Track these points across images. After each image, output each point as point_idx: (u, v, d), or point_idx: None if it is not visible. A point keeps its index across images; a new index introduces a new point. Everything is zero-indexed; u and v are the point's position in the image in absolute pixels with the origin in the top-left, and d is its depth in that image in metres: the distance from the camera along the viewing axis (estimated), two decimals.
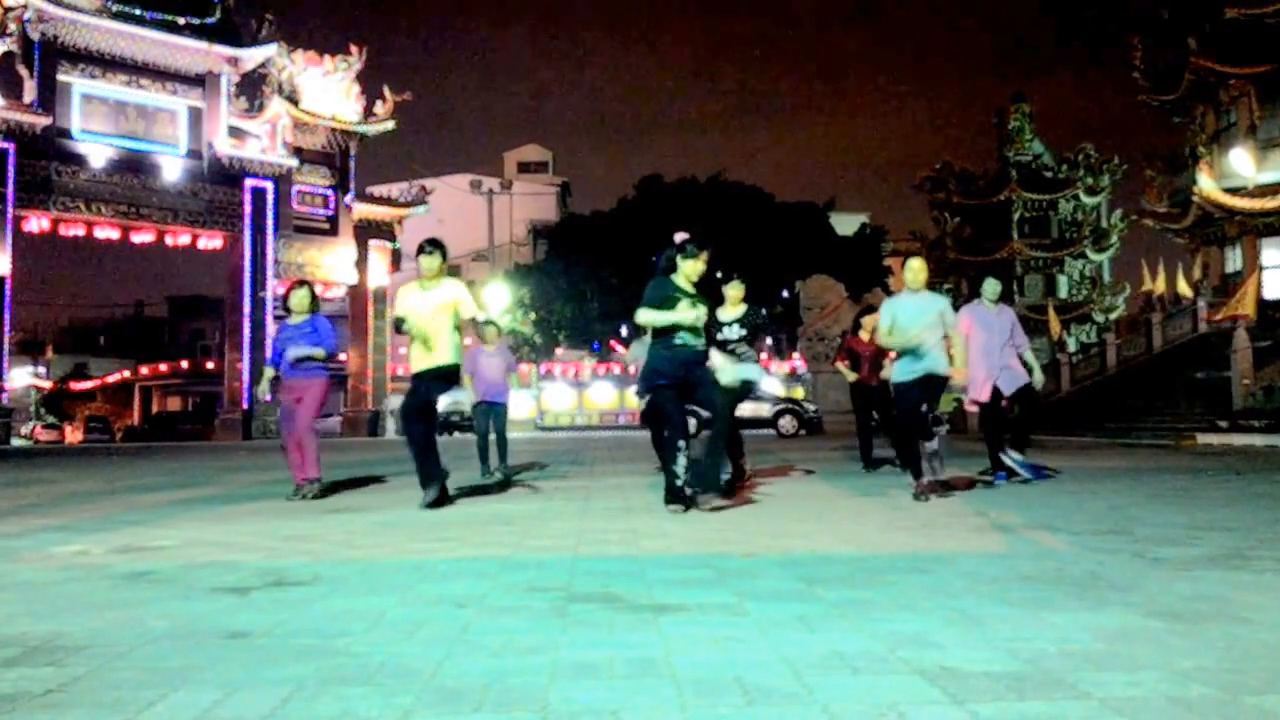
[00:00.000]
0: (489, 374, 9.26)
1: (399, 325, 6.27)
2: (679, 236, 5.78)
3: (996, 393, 7.44)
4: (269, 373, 7.20)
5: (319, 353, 6.99)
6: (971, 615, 2.71)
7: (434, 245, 6.24)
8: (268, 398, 7.11)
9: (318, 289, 36.94)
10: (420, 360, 6.21)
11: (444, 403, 6.76)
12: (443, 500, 6.15)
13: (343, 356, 35.99)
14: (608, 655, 2.33)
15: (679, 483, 5.47)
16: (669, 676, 2.14)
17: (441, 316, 6.22)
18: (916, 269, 6.50)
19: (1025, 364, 7.56)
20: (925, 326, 6.32)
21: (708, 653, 2.34)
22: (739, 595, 3.04)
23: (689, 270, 5.68)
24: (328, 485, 7.29)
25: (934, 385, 6.36)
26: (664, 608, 2.86)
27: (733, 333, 7.46)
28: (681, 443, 5.49)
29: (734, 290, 7.51)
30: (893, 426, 8.74)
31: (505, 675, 2.17)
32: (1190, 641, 2.40)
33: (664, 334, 5.65)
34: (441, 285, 6.29)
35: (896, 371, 6.52)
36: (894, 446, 6.45)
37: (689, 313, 5.50)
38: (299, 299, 7.14)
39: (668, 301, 5.59)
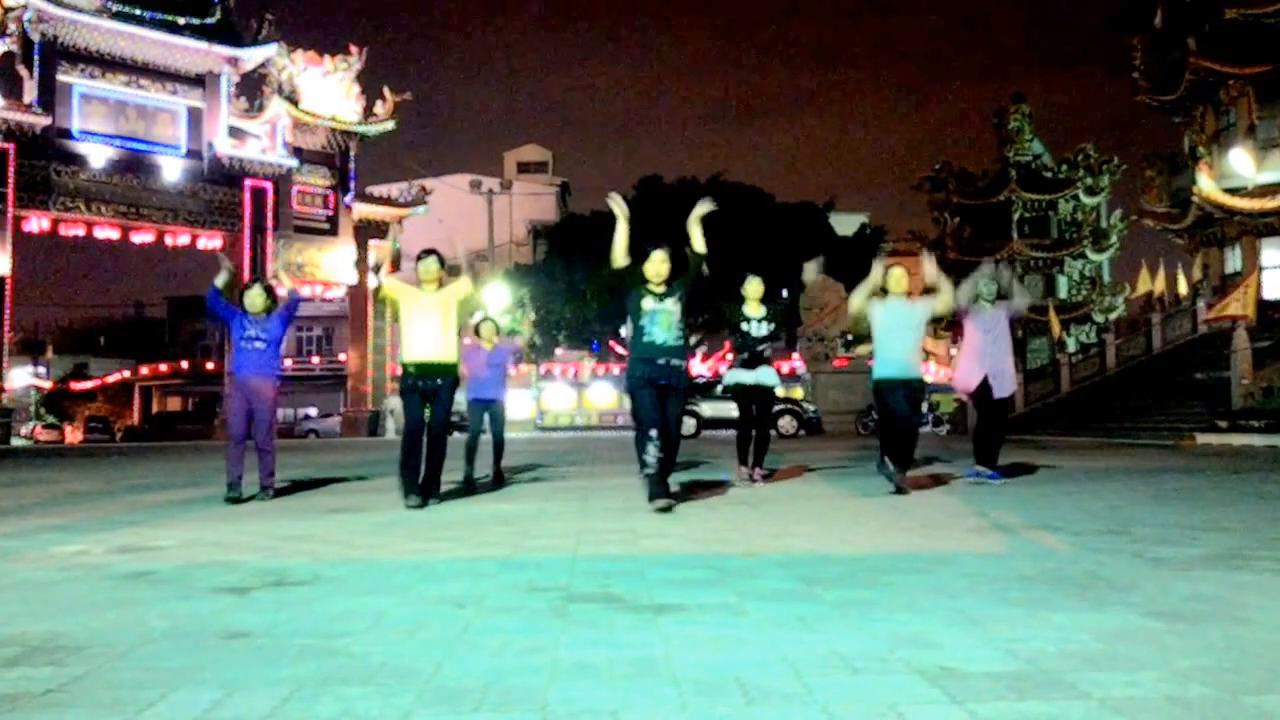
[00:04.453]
0: (484, 371, 8.76)
1: (381, 296, 6.29)
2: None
3: (987, 389, 7.50)
4: (226, 273, 6.82)
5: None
6: (971, 615, 2.71)
7: (430, 252, 6.36)
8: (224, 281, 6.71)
9: (317, 289, 36.96)
10: (418, 350, 6.20)
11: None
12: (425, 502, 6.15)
13: (342, 356, 35.98)
14: (607, 655, 2.33)
15: (651, 473, 5.53)
16: (669, 676, 2.14)
17: (449, 313, 6.28)
18: (899, 277, 6.79)
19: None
20: (912, 331, 6.70)
21: (708, 653, 2.34)
22: (739, 595, 3.04)
23: (650, 272, 5.89)
24: (284, 487, 7.09)
25: (916, 390, 6.72)
26: (664, 608, 2.86)
27: (762, 330, 7.59)
28: (653, 431, 5.56)
29: (753, 287, 7.59)
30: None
31: (505, 675, 2.17)
32: (1190, 641, 2.40)
33: (636, 335, 5.84)
34: (445, 288, 6.36)
35: (878, 369, 6.76)
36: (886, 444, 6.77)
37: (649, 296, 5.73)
38: (252, 298, 6.83)
39: (632, 303, 5.87)
